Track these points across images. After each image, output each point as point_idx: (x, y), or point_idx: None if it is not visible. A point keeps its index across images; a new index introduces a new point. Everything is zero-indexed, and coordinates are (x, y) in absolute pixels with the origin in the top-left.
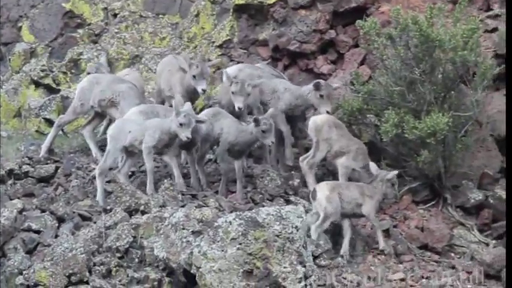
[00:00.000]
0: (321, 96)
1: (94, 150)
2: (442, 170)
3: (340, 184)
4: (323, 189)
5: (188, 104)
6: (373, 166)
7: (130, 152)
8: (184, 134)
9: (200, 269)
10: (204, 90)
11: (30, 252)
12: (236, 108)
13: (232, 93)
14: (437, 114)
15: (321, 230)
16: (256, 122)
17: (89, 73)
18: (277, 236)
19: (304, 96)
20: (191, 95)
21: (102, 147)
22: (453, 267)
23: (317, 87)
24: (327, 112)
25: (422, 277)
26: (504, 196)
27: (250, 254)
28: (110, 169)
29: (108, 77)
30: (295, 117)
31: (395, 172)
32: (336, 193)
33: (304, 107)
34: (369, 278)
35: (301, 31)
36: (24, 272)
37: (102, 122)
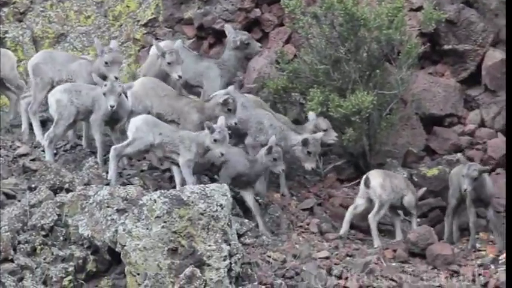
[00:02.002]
0: (309, 153)
1: (24, 125)
2: (366, 148)
3: (390, 173)
4: (376, 177)
5: (222, 119)
6: None
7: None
8: (219, 150)
9: (125, 247)
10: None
11: None
12: (176, 77)
13: (168, 63)
14: (362, 93)
15: (378, 218)
16: (269, 150)
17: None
18: (202, 214)
19: (289, 144)
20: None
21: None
22: (376, 247)
23: (305, 143)
24: (312, 169)
25: (347, 255)
26: (428, 173)
27: (174, 232)
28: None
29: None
30: None
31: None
32: (389, 181)
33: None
34: (294, 256)
35: (226, 10)
36: None
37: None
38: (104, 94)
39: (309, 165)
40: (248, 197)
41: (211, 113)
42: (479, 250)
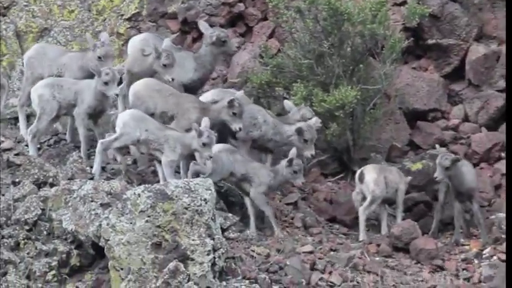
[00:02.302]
0: (305, 140)
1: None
2: (350, 142)
3: (384, 168)
4: (371, 172)
5: (206, 120)
6: None
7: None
8: (207, 154)
9: (109, 242)
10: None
11: None
12: (170, 79)
13: (164, 65)
14: (346, 87)
15: (368, 212)
16: (290, 162)
17: None
18: (186, 208)
19: (285, 136)
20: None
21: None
22: (361, 240)
23: (299, 132)
24: (312, 156)
25: (331, 250)
26: (412, 168)
27: (158, 227)
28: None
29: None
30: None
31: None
32: (383, 176)
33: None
34: (278, 250)
35: (210, 4)
36: None
37: None
38: (106, 83)
39: (308, 153)
40: (249, 200)
41: (217, 115)
42: (463, 244)
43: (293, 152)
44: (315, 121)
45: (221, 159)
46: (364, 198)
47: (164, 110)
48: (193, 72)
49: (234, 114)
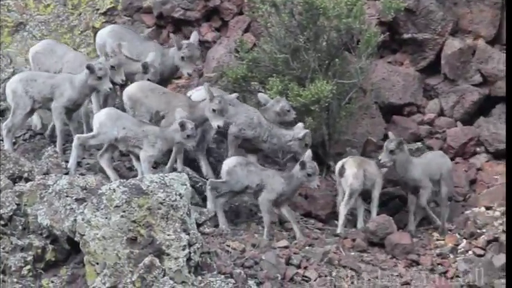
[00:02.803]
0: (306, 145)
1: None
2: (326, 137)
3: (365, 160)
4: (352, 166)
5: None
6: None
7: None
8: (191, 144)
9: (84, 237)
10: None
11: None
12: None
13: (213, 110)
14: (322, 82)
15: (349, 206)
16: (303, 165)
17: None
18: (161, 203)
19: (283, 140)
20: None
21: None
22: (337, 235)
23: (303, 138)
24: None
25: (306, 244)
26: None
27: (134, 222)
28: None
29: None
30: None
31: None
32: (362, 170)
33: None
34: (253, 245)
35: None
36: None
37: None
38: (100, 78)
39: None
40: (285, 211)
41: (202, 113)
42: (438, 239)
43: (308, 154)
44: (290, 114)
45: (236, 173)
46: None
47: (158, 109)
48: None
49: (214, 111)
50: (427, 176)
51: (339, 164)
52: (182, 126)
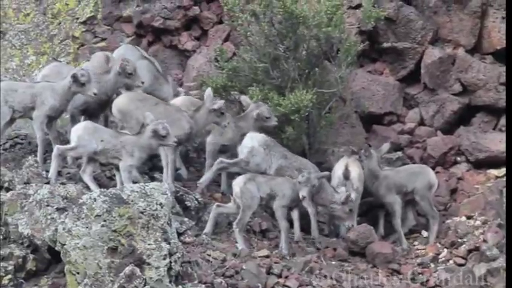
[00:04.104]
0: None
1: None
2: (306, 146)
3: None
4: (356, 167)
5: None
6: None
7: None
8: (171, 142)
9: (65, 246)
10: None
11: None
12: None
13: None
14: (301, 91)
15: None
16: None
17: None
18: (142, 212)
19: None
20: None
21: None
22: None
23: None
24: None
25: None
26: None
27: (114, 231)
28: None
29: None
30: None
31: None
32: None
33: None
34: (234, 255)
35: (165, 7)
36: None
37: None
38: (83, 84)
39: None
40: (295, 216)
41: (204, 120)
42: (419, 249)
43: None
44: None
45: (249, 191)
46: None
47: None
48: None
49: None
50: (392, 192)
51: (341, 166)
52: (154, 132)
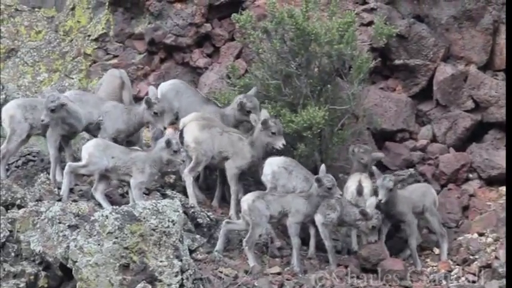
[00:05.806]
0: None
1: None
2: (318, 163)
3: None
4: (368, 184)
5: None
6: None
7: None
8: (180, 159)
9: (76, 263)
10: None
11: None
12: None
13: (273, 133)
14: (314, 108)
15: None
16: (319, 181)
17: None
18: (154, 230)
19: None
20: None
21: None
22: (328, 261)
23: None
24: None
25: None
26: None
27: (126, 248)
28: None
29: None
30: None
31: None
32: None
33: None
34: (246, 272)
35: (177, 24)
36: None
37: None
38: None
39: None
40: (312, 231)
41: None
42: (430, 266)
43: (322, 169)
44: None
45: (258, 209)
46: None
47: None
48: None
49: (273, 133)
50: (410, 210)
51: (354, 181)
52: (168, 143)
